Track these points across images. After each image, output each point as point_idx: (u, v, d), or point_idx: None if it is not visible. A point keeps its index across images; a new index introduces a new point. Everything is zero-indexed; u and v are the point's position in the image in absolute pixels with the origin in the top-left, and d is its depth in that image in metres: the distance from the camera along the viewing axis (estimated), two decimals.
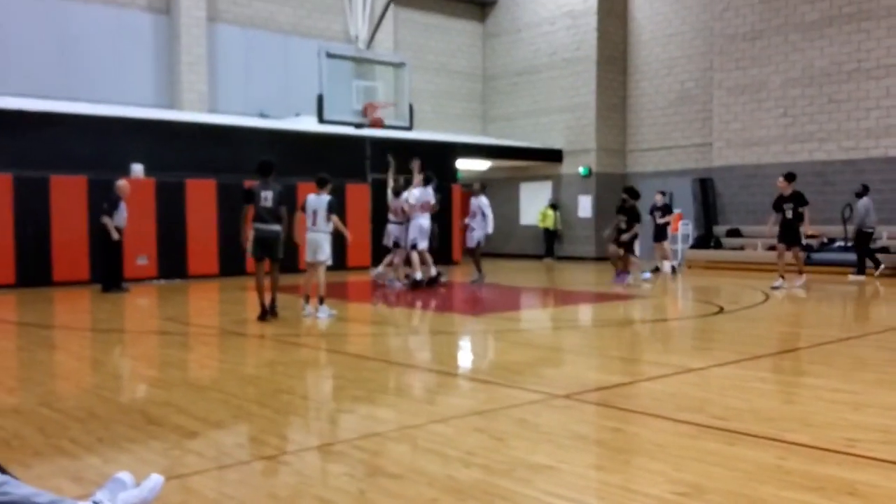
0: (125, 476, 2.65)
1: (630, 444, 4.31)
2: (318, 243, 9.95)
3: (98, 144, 14.92)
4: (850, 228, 16.19)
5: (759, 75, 19.33)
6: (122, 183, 13.32)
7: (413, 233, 13.46)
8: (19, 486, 2.32)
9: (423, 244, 13.49)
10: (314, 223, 9.94)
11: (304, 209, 10.05)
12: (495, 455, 4.03)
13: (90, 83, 17.26)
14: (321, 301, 9.98)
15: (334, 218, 10.02)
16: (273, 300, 9.71)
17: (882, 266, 15.67)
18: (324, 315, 9.81)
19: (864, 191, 15.57)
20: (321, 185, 10.03)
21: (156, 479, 2.64)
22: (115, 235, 12.94)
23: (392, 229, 14.10)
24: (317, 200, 10.02)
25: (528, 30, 23.82)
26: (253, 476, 3.80)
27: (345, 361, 7.16)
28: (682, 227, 20.14)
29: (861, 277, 15.26)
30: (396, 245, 14.03)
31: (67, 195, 14.24)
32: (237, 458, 4.09)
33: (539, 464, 3.87)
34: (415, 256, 13.43)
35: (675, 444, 4.19)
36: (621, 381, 5.95)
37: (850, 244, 16.29)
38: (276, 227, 9.53)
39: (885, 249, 16.33)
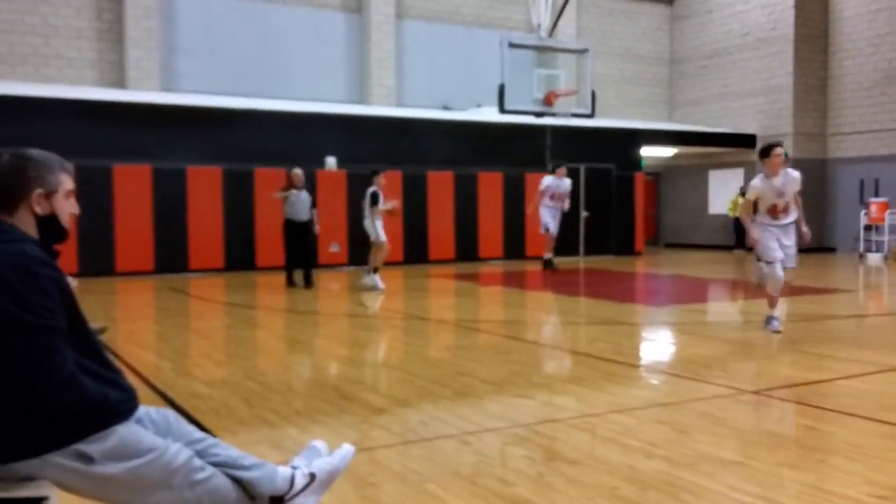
0: (320, 444, 2.82)
1: (825, 443, 4.05)
2: (365, 229, 11.89)
3: (296, 139, 15.90)
4: None
5: None
6: (292, 171, 12.53)
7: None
8: (227, 449, 2.53)
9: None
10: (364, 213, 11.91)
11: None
12: (678, 447, 3.93)
13: (288, 81, 18.38)
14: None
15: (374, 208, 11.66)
16: None
17: None
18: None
19: None
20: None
21: (347, 449, 2.80)
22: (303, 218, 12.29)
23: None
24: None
25: (720, 10, 22.73)
26: (436, 453, 3.94)
27: (524, 348, 7.22)
28: (889, 217, 18.51)
29: None
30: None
31: (269, 187, 15.27)
32: (421, 435, 4.26)
33: (725, 459, 3.74)
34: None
35: (876, 446, 3.89)
36: (817, 378, 5.59)
37: None
38: None
39: None
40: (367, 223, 11.85)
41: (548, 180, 14.57)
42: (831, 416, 4.57)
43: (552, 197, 14.45)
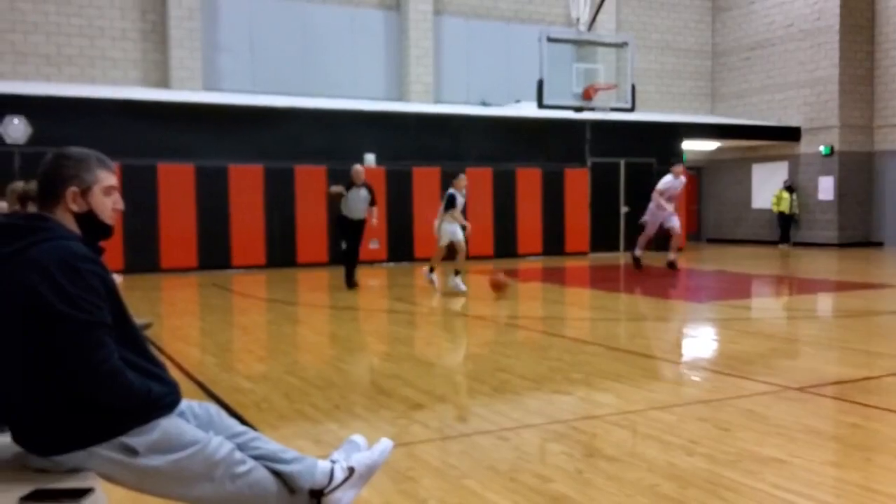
0: (359, 439, 2.84)
1: (871, 441, 3.97)
2: (435, 230, 11.61)
3: (335, 136, 16.01)
4: None
5: None
6: (353, 167, 11.94)
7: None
8: (268, 443, 2.57)
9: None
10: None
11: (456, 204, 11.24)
12: (720, 445, 3.88)
13: (328, 79, 18.51)
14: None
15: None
16: None
17: None
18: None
19: None
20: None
21: (386, 443, 2.81)
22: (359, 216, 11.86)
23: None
24: None
25: (762, 1, 22.33)
26: (474, 448, 3.94)
27: (563, 344, 7.19)
28: None
29: None
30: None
31: (309, 184, 15.42)
32: (459, 430, 4.27)
33: (768, 456, 3.69)
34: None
35: None
36: (864, 376, 5.48)
37: None
38: None
39: None
40: (436, 224, 11.37)
41: (667, 180, 13.41)
42: (878, 414, 4.47)
43: (670, 198, 13.41)
